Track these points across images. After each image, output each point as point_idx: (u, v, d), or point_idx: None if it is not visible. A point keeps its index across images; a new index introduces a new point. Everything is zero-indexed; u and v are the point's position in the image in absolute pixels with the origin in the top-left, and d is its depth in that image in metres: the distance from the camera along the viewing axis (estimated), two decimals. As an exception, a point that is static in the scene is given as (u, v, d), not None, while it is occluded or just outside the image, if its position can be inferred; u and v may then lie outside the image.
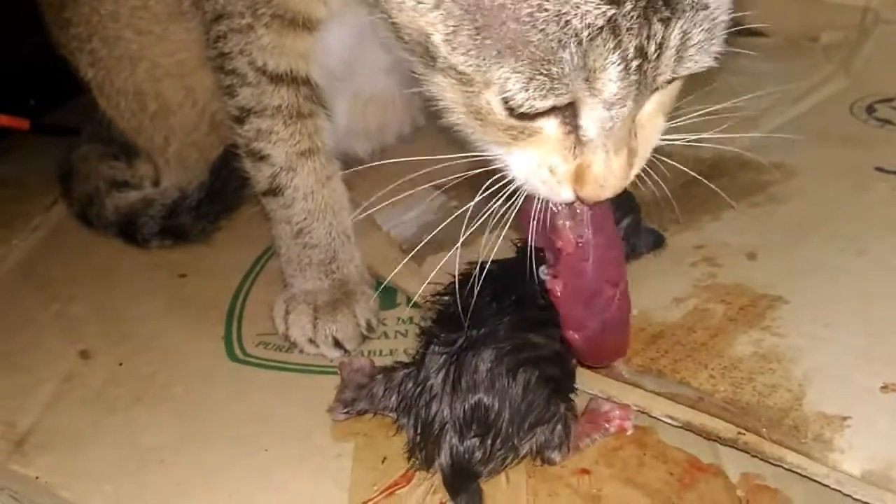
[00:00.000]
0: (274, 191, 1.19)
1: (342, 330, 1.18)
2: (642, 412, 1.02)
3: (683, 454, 1.00)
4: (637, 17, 0.75)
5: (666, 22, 0.77)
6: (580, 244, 0.93)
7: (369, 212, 1.34)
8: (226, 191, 1.34)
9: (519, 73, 0.77)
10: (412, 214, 1.43)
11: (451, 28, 0.79)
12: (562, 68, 0.76)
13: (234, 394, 1.12)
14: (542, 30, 0.75)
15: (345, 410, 1.06)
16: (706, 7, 0.79)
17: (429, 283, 1.12)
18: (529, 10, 0.75)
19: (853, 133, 1.48)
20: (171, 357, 1.19)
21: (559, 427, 0.98)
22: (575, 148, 0.84)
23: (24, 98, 1.77)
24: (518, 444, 0.97)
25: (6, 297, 1.34)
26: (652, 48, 0.77)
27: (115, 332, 1.25)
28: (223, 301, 1.30)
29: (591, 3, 0.74)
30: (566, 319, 0.96)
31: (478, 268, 1.01)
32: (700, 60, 0.81)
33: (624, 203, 1.13)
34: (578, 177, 0.85)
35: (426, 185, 1.42)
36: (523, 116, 0.81)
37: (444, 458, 0.96)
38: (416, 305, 1.23)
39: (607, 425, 1.02)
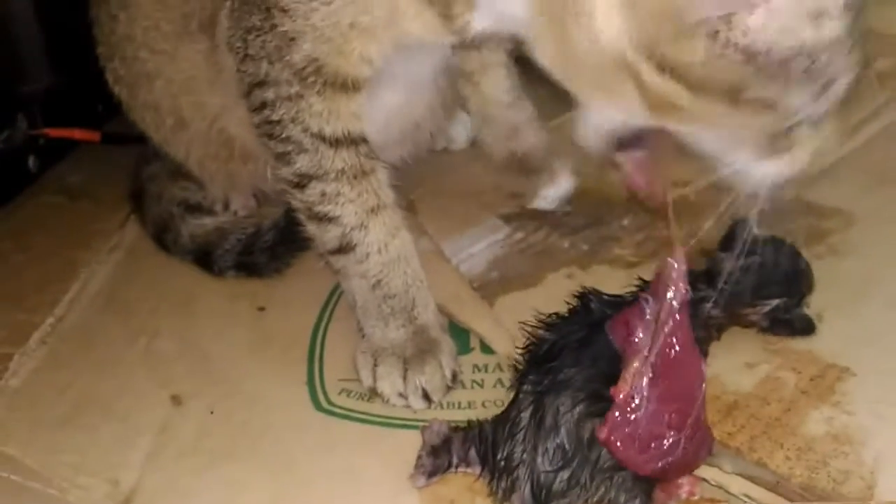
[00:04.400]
0: (344, 248, 1.19)
1: (430, 381, 1.19)
2: (720, 488, 1.04)
3: (760, 530, 1.02)
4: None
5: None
6: (632, 395, 0.94)
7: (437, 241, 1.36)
8: (300, 233, 1.33)
9: (812, 90, 0.87)
10: (481, 246, 1.45)
11: (755, 72, 0.86)
12: (833, 77, 0.88)
13: (322, 448, 1.14)
14: (822, 52, 0.85)
15: (427, 477, 1.08)
16: None
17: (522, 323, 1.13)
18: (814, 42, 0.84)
19: (908, 175, 1.46)
20: (259, 404, 1.21)
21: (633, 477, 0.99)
22: None
23: (92, 104, 1.74)
24: (589, 487, 0.99)
25: (93, 330, 1.36)
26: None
27: (202, 372, 1.26)
28: (303, 339, 1.32)
29: (837, 24, 0.85)
30: (621, 461, 0.96)
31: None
32: None
33: (786, 282, 1.16)
34: None
35: (492, 217, 1.45)
36: None
37: (525, 491, 1.00)
38: (489, 351, 1.24)
39: (679, 491, 1.04)
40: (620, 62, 0.90)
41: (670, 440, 0.97)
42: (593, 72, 0.93)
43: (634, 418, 0.95)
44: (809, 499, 1.00)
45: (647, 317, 0.98)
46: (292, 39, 1.09)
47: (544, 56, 0.99)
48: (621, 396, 0.95)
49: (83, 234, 1.57)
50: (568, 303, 1.13)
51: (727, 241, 1.20)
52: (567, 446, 0.99)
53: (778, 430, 1.08)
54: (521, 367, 1.09)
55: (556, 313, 1.12)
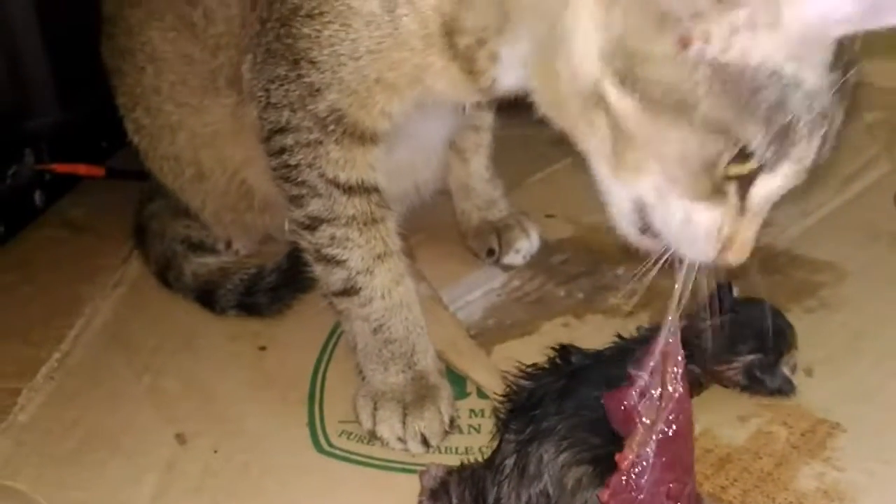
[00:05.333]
0: (348, 291, 1.23)
1: (429, 427, 1.22)
2: (712, 538, 1.07)
3: (749, 581, 1.05)
4: (835, 103, 0.86)
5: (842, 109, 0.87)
6: (636, 462, 0.96)
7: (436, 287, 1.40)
8: (302, 275, 1.38)
9: (769, 131, 0.84)
10: (477, 294, 1.49)
11: (719, 88, 0.84)
12: (794, 136, 0.85)
13: (324, 490, 1.17)
14: (791, 96, 0.84)
15: (429, 520, 1.09)
16: None
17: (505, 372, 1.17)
18: (789, 78, 0.83)
19: (899, 230, 1.51)
20: (261, 444, 1.24)
21: None
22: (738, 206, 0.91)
23: (96, 140, 1.78)
24: None
25: (99, 366, 1.39)
26: (830, 130, 0.87)
27: (206, 411, 1.30)
28: (303, 379, 1.35)
29: (824, 90, 0.84)
30: None
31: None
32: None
33: (760, 340, 1.19)
34: (728, 242, 0.93)
35: (489, 265, 1.49)
36: (728, 176, 0.88)
37: None
38: (485, 396, 1.28)
39: None
40: (593, 90, 0.92)
41: None
42: (575, 105, 0.96)
43: (636, 485, 0.98)
44: (800, 553, 1.02)
45: (648, 390, 1.00)
46: (318, 90, 1.13)
47: (541, 100, 1.03)
48: (625, 463, 0.98)
49: (87, 269, 1.61)
50: (547, 354, 1.17)
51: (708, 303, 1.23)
52: (550, 493, 1.02)
53: (770, 484, 1.11)
54: (502, 415, 1.12)
55: (535, 364, 1.16)
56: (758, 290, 1.17)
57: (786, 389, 1.21)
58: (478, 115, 1.44)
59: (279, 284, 1.46)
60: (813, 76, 0.83)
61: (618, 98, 0.90)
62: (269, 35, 1.18)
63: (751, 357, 1.20)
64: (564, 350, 1.16)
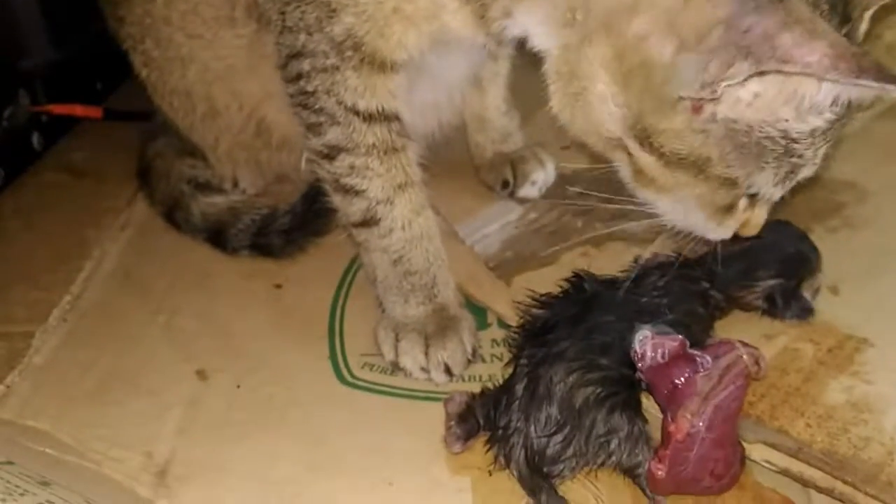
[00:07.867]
0: (368, 222, 1.27)
1: (452, 357, 1.27)
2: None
3: (779, 496, 1.12)
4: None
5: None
6: (691, 434, 1.03)
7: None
8: (317, 219, 1.44)
9: (776, 173, 1.01)
10: (494, 227, 1.54)
11: (730, 149, 0.98)
12: (799, 167, 1.02)
13: (350, 421, 1.23)
14: (798, 141, 0.98)
15: (462, 442, 1.17)
16: None
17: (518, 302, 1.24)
18: (795, 130, 0.97)
19: (920, 149, 1.56)
20: (284, 378, 1.29)
21: (633, 441, 1.10)
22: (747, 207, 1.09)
23: (91, 81, 1.82)
24: (587, 452, 1.10)
25: (111, 309, 1.43)
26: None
27: (225, 348, 1.35)
28: (322, 315, 1.41)
29: (820, 119, 0.97)
30: (653, 484, 1.07)
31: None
32: None
33: (781, 265, 1.25)
34: (740, 224, 1.11)
35: (505, 198, 1.53)
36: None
37: (519, 457, 1.10)
38: (506, 326, 1.33)
39: None
40: (613, 139, 1.05)
41: (705, 485, 1.08)
42: (598, 140, 1.08)
43: (686, 458, 1.05)
44: (831, 464, 1.09)
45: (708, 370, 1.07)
46: (334, 10, 1.16)
47: (566, 125, 1.11)
48: (679, 437, 1.03)
49: (91, 213, 1.65)
50: (560, 286, 1.23)
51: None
52: (559, 414, 1.09)
53: (798, 399, 1.17)
54: (516, 343, 1.19)
55: (548, 293, 1.23)
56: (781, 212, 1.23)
57: (804, 315, 1.26)
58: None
59: (293, 227, 1.50)
60: (816, 119, 0.97)
61: (638, 152, 1.03)
62: None
63: (771, 282, 1.25)
64: (577, 278, 1.22)
